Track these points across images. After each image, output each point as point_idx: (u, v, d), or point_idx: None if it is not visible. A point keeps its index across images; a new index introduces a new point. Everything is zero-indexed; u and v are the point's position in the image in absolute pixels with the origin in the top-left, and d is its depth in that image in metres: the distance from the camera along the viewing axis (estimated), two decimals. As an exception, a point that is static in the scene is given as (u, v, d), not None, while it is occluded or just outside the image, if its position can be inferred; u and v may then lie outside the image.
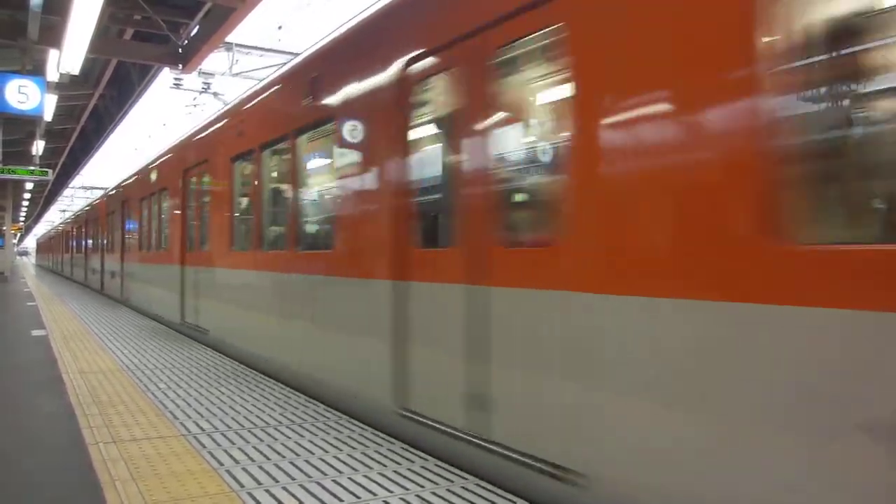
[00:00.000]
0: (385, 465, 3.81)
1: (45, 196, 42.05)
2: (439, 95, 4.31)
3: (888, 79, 2.42)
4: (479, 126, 3.72)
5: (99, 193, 27.11)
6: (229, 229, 7.94)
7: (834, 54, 2.49)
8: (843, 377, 2.11)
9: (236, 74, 15.73)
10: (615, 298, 2.88)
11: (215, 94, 17.24)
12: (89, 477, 3.59)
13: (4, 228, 31.48)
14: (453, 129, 4.04)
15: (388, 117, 4.52)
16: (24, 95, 11.55)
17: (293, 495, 3.34)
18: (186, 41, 11.30)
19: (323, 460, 3.90)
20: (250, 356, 7.10)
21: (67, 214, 43.47)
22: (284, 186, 6.68)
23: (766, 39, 2.35)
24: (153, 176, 12.44)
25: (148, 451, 4.04)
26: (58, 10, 8.93)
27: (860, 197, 2.51)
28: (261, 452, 4.04)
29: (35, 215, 58.09)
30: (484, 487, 3.44)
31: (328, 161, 6.02)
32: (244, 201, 7.86)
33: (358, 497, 3.33)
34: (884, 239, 2.33)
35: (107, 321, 11.66)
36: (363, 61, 4.91)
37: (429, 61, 4.18)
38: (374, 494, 3.36)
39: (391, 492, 3.40)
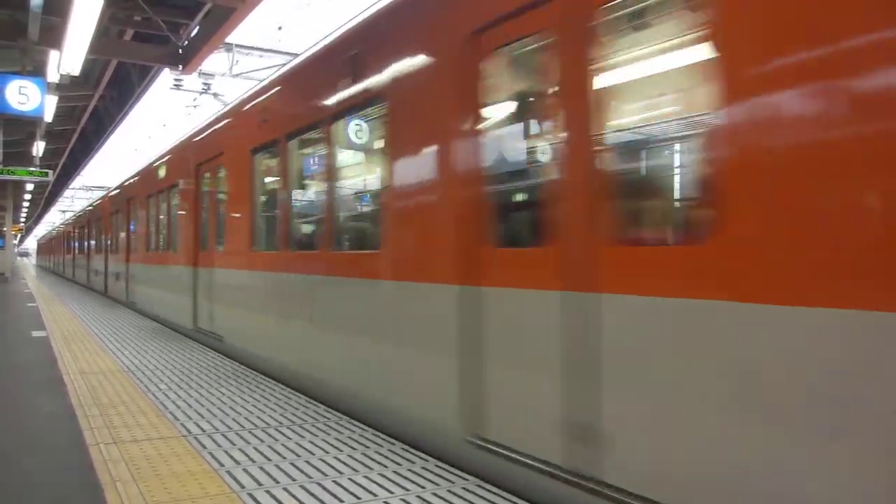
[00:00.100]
0: (385, 466, 3.81)
1: (46, 197, 42.05)
2: (524, 65, 3.78)
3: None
4: (587, 99, 3.08)
5: (99, 194, 27.05)
6: (249, 228, 7.22)
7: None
8: None
9: (237, 75, 15.71)
10: (801, 311, 2.18)
11: (215, 95, 17.21)
12: (90, 477, 3.59)
13: (5, 229, 31.52)
14: (546, 103, 3.52)
15: (455, 93, 3.86)
16: (25, 96, 11.55)
17: (294, 496, 3.34)
18: (186, 42, 11.30)
19: (323, 461, 3.90)
20: (274, 366, 6.51)
21: (68, 215, 43.39)
22: (317, 179, 6.12)
23: None
24: (162, 172, 11.76)
25: (149, 452, 4.04)
26: (58, 10, 8.93)
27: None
28: (261, 453, 4.04)
29: (35, 216, 58.11)
30: (484, 488, 3.44)
31: (374, 149, 5.52)
32: (267, 197, 7.28)
33: (358, 498, 3.33)
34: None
35: (107, 322, 11.66)
36: (422, 30, 4.28)
37: (511, 24, 3.52)
38: (375, 495, 3.36)
39: (391, 492, 3.40)
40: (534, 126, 3.94)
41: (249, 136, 7.22)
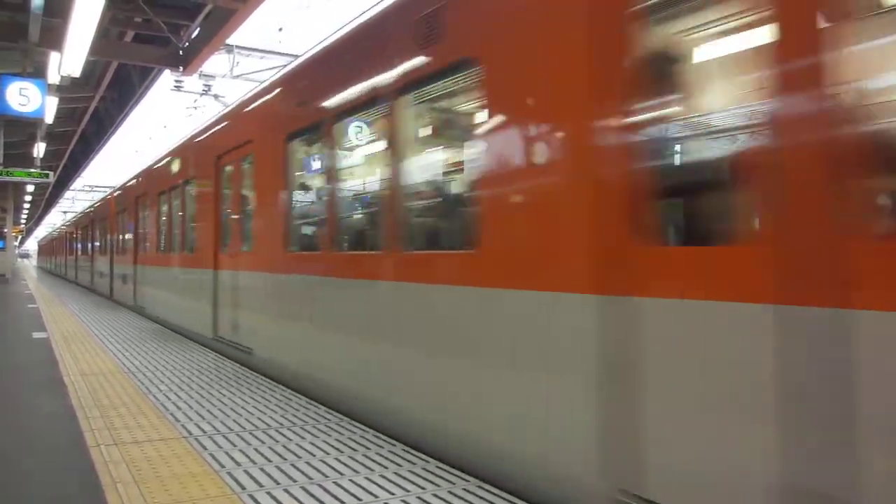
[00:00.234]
0: (386, 467, 3.81)
1: (46, 199, 42.09)
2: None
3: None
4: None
5: (100, 194, 26.94)
6: (283, 226, 6.30)
7: None
8: None
9: (237, 76, 15.72)
10: None
11: (216, 97, 17.23)
12: (90, 479, 3.59)
13: (6, 231, 31.52)
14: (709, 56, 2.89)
15: (598, 42, 3.01)
16: (25, 98, 11.58)
17: (294, 497, 3.34)
18: (187, 43, 11.32)
19: (324, 462, 3.90)
20: (328, 390, 5.48)
21: (69, 216, 43.31)
22: (379, 166, 5.27)
23: None
24: (175, 166, 10.79)
25: (149, 453, 4.04)
26: (58, 12, 8.95)
27: None
28: (262, 454, 4.04)
29: (36, 217, 58.16)
30: (485, 489, 3.44)
31: (457, 124, 4.84)
32: (306, 190, 6.51)
33: (359, 499, 3.33)
34: None
35: (107, 323, 11.66)
36: None
37: None
38: (375, 496, 3.36)
39: (392, 493, 3.40)
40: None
41: (284, 122, 6.34)
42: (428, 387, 4.20)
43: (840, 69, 2.20)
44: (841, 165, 2.15)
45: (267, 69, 15.10)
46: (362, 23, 5.29)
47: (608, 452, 2.93)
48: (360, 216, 5.79)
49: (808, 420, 2.22)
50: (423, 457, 4.00)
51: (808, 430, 2.22)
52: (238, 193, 7.82)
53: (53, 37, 9.86)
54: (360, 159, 5.94)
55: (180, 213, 10.58)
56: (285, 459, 3.95)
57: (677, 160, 3.23)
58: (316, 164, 6.22)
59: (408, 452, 4.09)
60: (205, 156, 8.99)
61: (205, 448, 4.17)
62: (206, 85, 17.07)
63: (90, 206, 25.08)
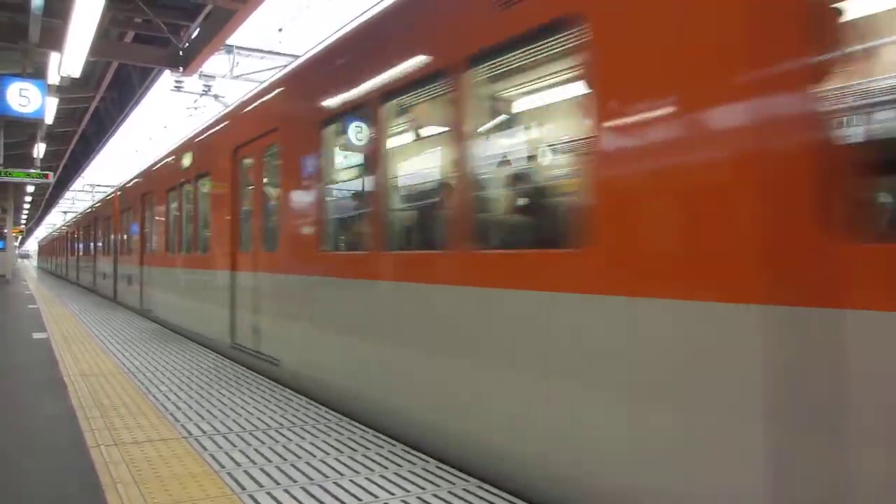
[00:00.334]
0: (386, 467, 3.81)
1: (46, 199, 42.11)
2: None
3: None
4: None
5: (101, 193, 26.79)
6: (317, 222, 5.59)
7: None
8: None
9: (237, 77, 15.74)
10: None
11: (216, 97, 17.25)
12: (91, 479, 3.59)
13: (6, 231, 31.53)
14: None
15: None
16: (26, 98, 11.58)
17: (294, 497, 3.34)
18: (187, 44, 11.32)
19: (324, 462, 3.90)
20: (381, 410, 4.69)
21: (70, 216, 43.22)
22: (440, 152, 4.70)
23: None
24: (186, 160, 10.05)
25: (149, 454, 4.04)
26: (58, 13, 8.96)
27: None
28: (262, 455, 4.04)
29: (37, 218, 58.19)
30: (485, 489, 3.44)
31: (553, 96, 4.18)
32: (346, 182, 5.87)
33: (359, 499, 3.33)
34: None
35: (107, 323, 11.66)
36: None
37: None
38: (376, 497, 3.36)
39: (392, 493, 3.40)
40: None
41: (319, 105, 5.62)
42: (542, 421, 3.26)
43: None
44: None
45: (267, 69, 15.12)
46: None
47: None
48: (416, 210, 5.05)
49: None
50: (423, 457, 4.00)
51: None
52: (258, 187, 7.14)
53: (53, 37, 9.87)
54: (415, 144, 5.29)
55: (192, 211, 9.91)
56: (285, 460, 3.95)
57: (887, 129, 2.52)
58: (363, 151, 5.36)
59: (408, 452, 4.09)
60: (221, 147, 8.28)
61: (205, 448, 4.17)
62: (206, 85, 17.10)
63: (93, 205, 24.50)
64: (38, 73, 11.97)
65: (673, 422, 2.61)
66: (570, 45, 3.24)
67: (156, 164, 12.73)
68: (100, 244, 20.50)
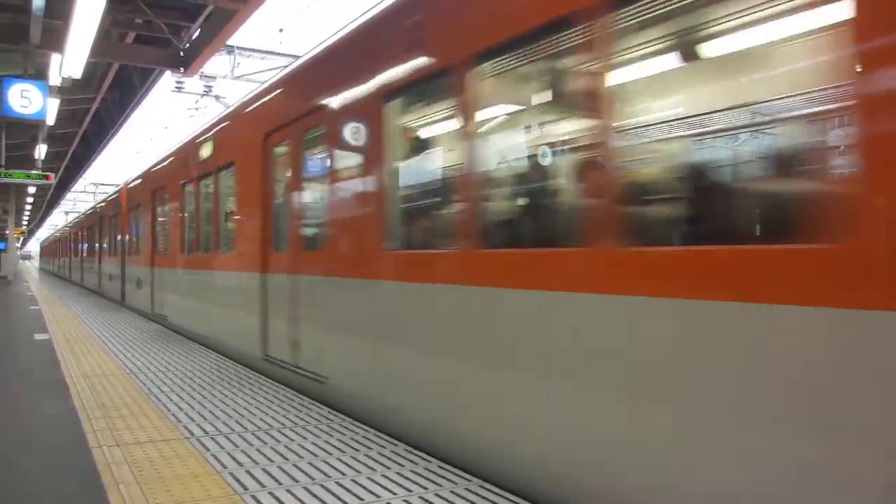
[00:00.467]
0: (388, 467, 3.81)
1: (48, 200, 42.16)
2: None
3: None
4: None
5: (102, 193, 26.61)
6: (377, 218, 4.69)
7: None
8: None
9: (238, 77, 15.75)
10: None
11: (217, 98, 17.26)
12: (93, 479, 3.60)
13: (7, 232, 31.56)
14: None
15: None
16: (27, 99, 11.61)
17: (297, 498, 3.34)
18: (188, 44, 11.34)
19: (327, 462, 3.90)
20: (475, 446, 3.78)
21: (72, 216, 43.17)
22: (568, 118, 3.73)
23: None
24: (205, 151, 8.99)
25: (151, 454, 4.04)
26: (60, 14, 8.97)
27: None
28: (264, 455, 4.04)
29: (38, 219, 58.26)
30: (487, 489, 3.43)
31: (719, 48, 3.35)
32: (420, 168, 5.01)
33: (361, 499, 3.33)
34: None
35: (109, 324, 11.67)
36: None
37: None
38: (378, 496, 3.36)
39: (394, 493, 3.40)
40: None
41: (379, 78, 4.68)
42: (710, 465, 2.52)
43: None
44: None
45: (268, 70, 15.13)
46: None
47: None
48: (526, 197, 4.14)
49: None
50: (425, 456, 4.00)
51: None
52: (297, 178, 6.16)
53: (54, 38, 9.88)
54: (528, 115, 4.30)
55: (213, 205, 8.87)
56: (287, 460, 3.95)
57: None
58: (447, 132, 4.52)
59: (410, 452, 4.09)
60: (247, 135, 7.27)
61: (207, 449, 4.17)
62: (206, 86, 17.10)
63: (97, 204, 23.19)
64: (39, 75, 11.99)
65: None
66: None
67: (167, 157, 11.79)
68: (104, 244, 19.50)
